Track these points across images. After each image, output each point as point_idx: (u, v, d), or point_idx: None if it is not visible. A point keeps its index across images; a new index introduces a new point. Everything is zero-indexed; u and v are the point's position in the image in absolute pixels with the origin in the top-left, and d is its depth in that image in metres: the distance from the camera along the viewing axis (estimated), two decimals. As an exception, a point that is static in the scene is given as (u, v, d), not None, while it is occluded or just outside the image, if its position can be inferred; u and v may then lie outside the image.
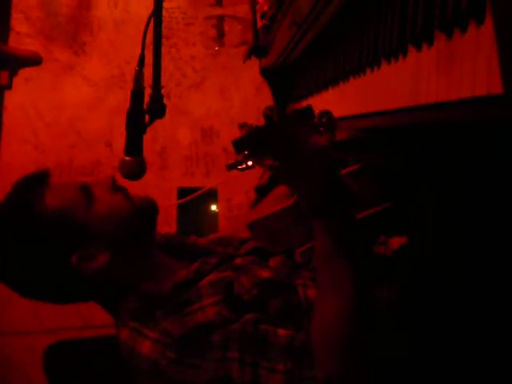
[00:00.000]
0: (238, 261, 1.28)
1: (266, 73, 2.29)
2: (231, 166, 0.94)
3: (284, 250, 1.39)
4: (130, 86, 1.27)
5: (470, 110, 0.74)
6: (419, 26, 0.89)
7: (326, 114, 0.94)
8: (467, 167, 1.12)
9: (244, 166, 0.94)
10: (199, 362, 1.00)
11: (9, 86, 3.05)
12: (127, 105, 1.26)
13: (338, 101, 1.44)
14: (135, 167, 1.28)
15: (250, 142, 0.91)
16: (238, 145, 0.91)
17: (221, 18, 2.64)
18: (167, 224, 2.93)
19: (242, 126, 0.98)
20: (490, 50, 0.68)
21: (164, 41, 1.26)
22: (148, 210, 1.23)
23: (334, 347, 0.95)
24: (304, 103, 1.87)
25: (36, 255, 1.12)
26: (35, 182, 1.16)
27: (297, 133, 0.92)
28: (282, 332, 1.02)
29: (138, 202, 1.20)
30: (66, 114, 3.11)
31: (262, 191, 2.14)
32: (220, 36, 2.67)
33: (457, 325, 1.13)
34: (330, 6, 1.31)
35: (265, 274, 1.22)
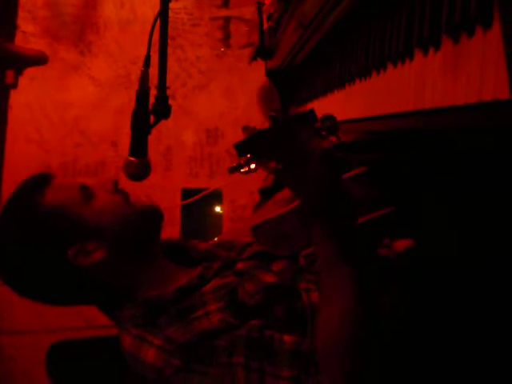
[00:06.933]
0: (240, 265, 1.27)
1: (271, 74, 2.29)
2: (233, 170, 0.93)
3: (287, 254, 1.38)
4: (135, 86, 1.28)
5: (477, 115, 0.74)
6: (426, 30, 0.88)
7: (329, 118, 0.92)
8: (474, 170, 1.11)
9: (246, 169, 0.92)
10: (205, 368, 0.99)
11: (14, 85, 3.07)
12: (132, 105, 1.27)
13: (344, 103, 1.44)
14: (140, 168, 1.28)
15: (252, 146, 0.90)
16: (240, 148, 0.90)
17: (227, 20, 2.64)
18: (171, 225, 2.92)
19: (245, 128, 0.97)
20: (497, 54, 0.67)
21: (169, 41, 1.26)
22: (149, 214, 1.24)
23: (338, 354, 0.94)
24: (309, 105, 1.87)
25: (34, 248, 1.15)
26: (39, 181, 1.21)
27: (298, 136, 0.90)
28: (287, 338, 1.01)
29: (138, 205, 1.22)
30: (71, 114, 3.11)
31: (266, 193, 2.13)
32: (226, 37, 2.67)
33: (464, 329, 1.12)
34: (336, 9, 1.31)
35: (268, 278, 1.21)
